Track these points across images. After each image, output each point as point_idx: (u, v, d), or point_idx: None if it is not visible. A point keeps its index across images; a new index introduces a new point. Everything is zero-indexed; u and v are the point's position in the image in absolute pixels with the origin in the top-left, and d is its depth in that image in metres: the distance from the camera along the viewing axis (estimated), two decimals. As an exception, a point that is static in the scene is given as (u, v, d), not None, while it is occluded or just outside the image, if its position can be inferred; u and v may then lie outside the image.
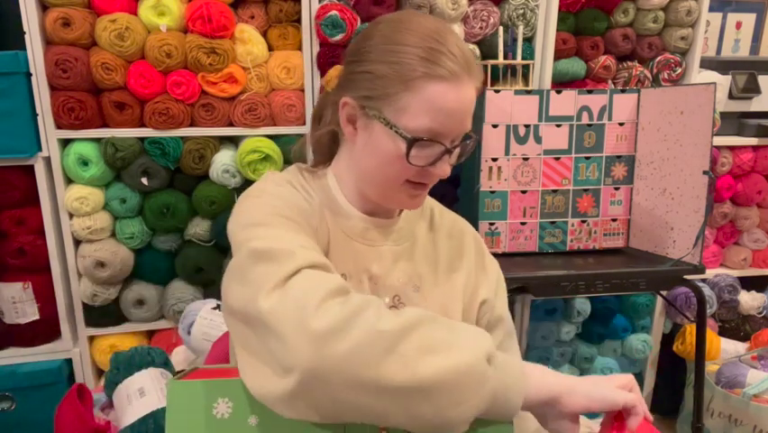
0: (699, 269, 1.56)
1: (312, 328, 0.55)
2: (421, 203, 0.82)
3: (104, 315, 1.74)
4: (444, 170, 0.76)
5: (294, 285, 0.60)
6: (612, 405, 0.67)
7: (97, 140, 1.62)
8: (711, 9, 2.05)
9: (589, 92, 1.69)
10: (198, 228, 1.71)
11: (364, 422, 0.57)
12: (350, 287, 0.63)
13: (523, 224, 1.72)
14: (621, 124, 1.72)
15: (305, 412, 0.57)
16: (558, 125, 1.68)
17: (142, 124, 1.65)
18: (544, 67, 1.83)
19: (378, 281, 0.82)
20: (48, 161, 1.61)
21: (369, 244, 0.83)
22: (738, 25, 2.45)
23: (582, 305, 2.03)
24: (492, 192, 1.68)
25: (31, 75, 1.54)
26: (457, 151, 0.77)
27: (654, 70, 1.94)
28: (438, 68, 0.71)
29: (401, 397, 0.55)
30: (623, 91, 1.71)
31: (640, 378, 2.23)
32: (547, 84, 1.84)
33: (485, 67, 1.78)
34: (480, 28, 1.77)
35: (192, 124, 1.67)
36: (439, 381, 0.56)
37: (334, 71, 1.64)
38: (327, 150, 0.88)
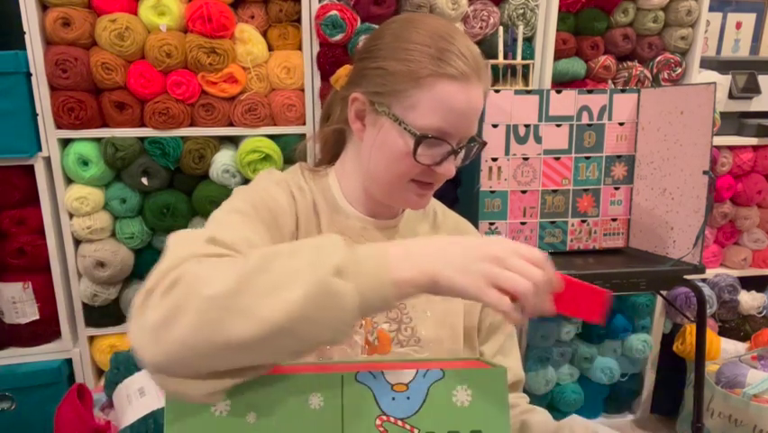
0: (699, 269, 1.56)
1: (145, 323, 0.53)
2: (426, 203, 0.82)
3: (104, 315, 1.74)
4: (449, 169, 0.76)
5: (149, 279, 0.57)
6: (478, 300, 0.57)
7: (97, 140, 1.62)
8: (711, 9, 2.05)
9: (589, 92, 1.69)
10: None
11: (243, 367, 0.55)
12: (191, 256, 0.57)
13: (523, 224, 1.72)
14: (621, 124, 1.72)
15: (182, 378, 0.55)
16: (558, 125, 1.68)
17: (142, 124, 1.65)
18: (543, 67, 1.83)
19: None
20: (48, 161, 1.61)
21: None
22: (738, 25, 2.45)
23: (582, 305, 2.03)
24: (492, 192, 1.68)
25: (31, 75, 1.54)
26: (462, 152, 0.78)
27: (654, 70, 1.94)
28: (449, 67, 0.71)
29: (261, 345, 0.52)
30: (623, 91, 1.71)
31: (640, 378, 2.24)
32: (547, 84, 1.84)
33: (485, 67, 1.78)
34: (480, 28, 1.77)
35: (192, 124, 1.67)
36: (288, 318, 0.51)
37: (344, 70, 1.65)
38: (332, 148, 0.88)
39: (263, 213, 0.74)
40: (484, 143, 0.80)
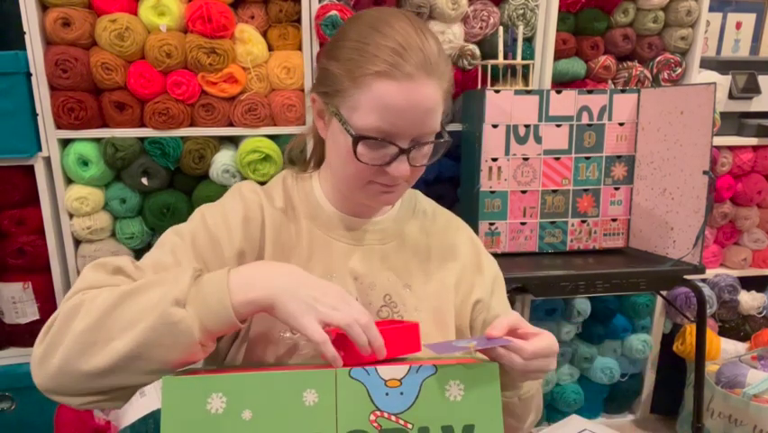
0: (699, 269, 1.56)
1: (35, 354, 0.65)
2: (393, 200, 0.81)
3: (104, 315, 1.74)
4: (400, 170, 0.73)
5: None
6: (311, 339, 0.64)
7: (97, 140, 1.62)
8: (711, 9, 2.05)
9: (590, 92, 1.69)
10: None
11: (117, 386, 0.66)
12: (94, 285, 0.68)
13: (523, 224, 1.72)
14: (621, 124, 1.72)
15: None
16: (558, 125, 1.68)
17: (142, 124, 1.65)
18: (544, 67, 1.83)
19: (364, 281, 0.82)
20: (48, 161, 1.61)
21: (353, 244, 0.83)
22: (738, 25, 2.45)
23: (582, 305, 2.03)
24: (492, 192, 1.68)
25: (31, 75, 1.54)
26: (423, 150, 0.75)
27: (654, 70, 1.94)
28: (388, 66, 0.69)
29: (119, 370, 0.63)
30: (623, 91, 1.71)
31: (640, 378, 2.24)
32: (547, 84, 1.84)
33: (485, 67, 1.78)
34: (480, 28, 1.77)
35: (192, 124, 1.67)
36: (137, 346, 0.62)
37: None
38: (320, 149, 0.88)
39: (200, 239, 0.77)
40: (446, 140, 0.76)
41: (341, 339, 0.66)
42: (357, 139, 0.71)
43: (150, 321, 0.62)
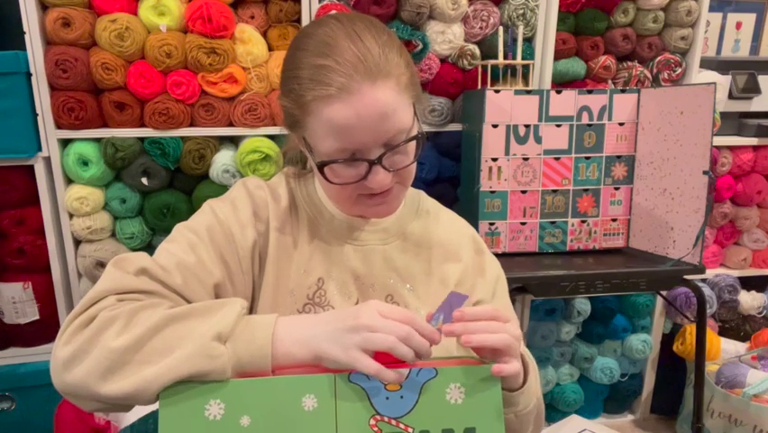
0: (699, 269, 1.56)
1: (59, 355, 0.63)
2: (389, 210, 0.79)
3: (104, 315, 1.74)
4: (378, 181, 0.71)
5: (80, 303, 0.67)
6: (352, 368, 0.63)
7: (97, 140, 1.62)
8: (711, 9, 2.05)
9: (589, 92, 1.69)
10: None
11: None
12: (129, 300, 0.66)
13: (523, 224, 1.72)
14: (621, 124, 1.72)
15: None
16: (558, 125, 1.68)
17: (142, 124, 1.65)
18: (544, 67, 1.83)
19: (365, 281, 0.81)
20: (48, 161, 1.61)
21: (355, 244, 0.82)
22: (738, 25, 2.45)
23: (582, 305, 2.03)
24: (492, 192, 1.68)
25: (31, 75, 1.54)
26: (399, 153, 0.72)
27: (654, 70, 1.94)
28: (323, 87, 0.66)
29: (140, 394, 0.60)
30: (623, 91, 1.71)
31: (640, 378, 2.24)
32: (547, 84, 1.84)
33: (485, 67, 1.78)
34: (480, 28, 1.77)
35: (192, 124, 1.67)
36: (165, 375, 0.60)
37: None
38: None
39: (216, 234, 0.76)
40: (416, 137, 0.72)
41: None
42: (321, 166, 0.71)
43: (188, 351, 0.60)
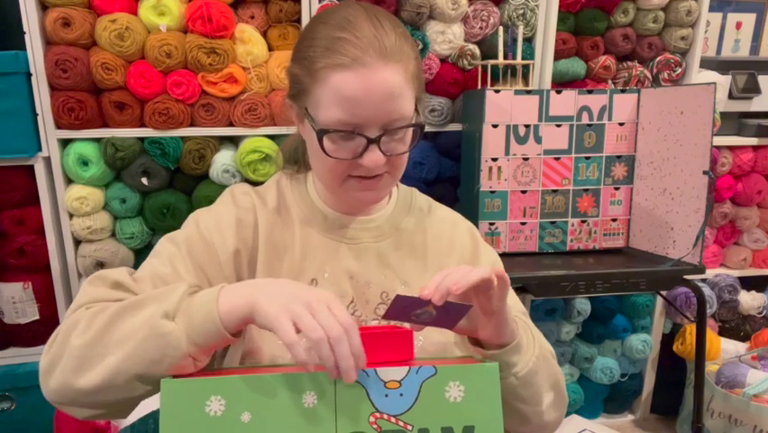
0: (699, 269, 1.56)
1: (41, 367, 0.67)
2: (376, 198, 0.80)
3: (104, 315, 1.74)
4: (374, 160, 0.72)
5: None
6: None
7: (97, 140, 1.62)
8: (711, 9, 2.05)
9: (590, 92, 1.69)
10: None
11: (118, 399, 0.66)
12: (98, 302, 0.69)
13: (523, 224, 1.72)
14: (621, 124, 1.72)
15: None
16: (558, 125, 1.68)
17: (142, 124, 1.65)
18: (544, 67, 1.83)
19: (359, 279, 0.81)
20: (48, 161, 1.61)
21: (348, 243, 0.82)
22: (738, 25, 2.45)
23: (582, 305, 2.03)
24: (492, 192, 1.68)
25: (31, 75, 1.54)
26: (396, 138, 0.73)
27: (654, 70, 1.94)
28: (338, 56, 0.68)
29: (113, 387, 0.63)
30: (623, 91, 1.71)
31: (640, 378, 2.24)
32: (547, 84, 1.84)
33: (485, 67, 1.78)
34: (480, 28, 1.77)
35: (192, 124, 1.67)
36: (126, 363, 0.62)
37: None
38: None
39: (195, 245, 0.77)
40: (418, 125, 0.74)
41: None
42: (321, 134, 0.71)
43: (141, 335, 0.62)
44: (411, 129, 0.75)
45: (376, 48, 0.69)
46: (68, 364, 0.64)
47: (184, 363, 0.63)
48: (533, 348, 0.75)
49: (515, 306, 0.86)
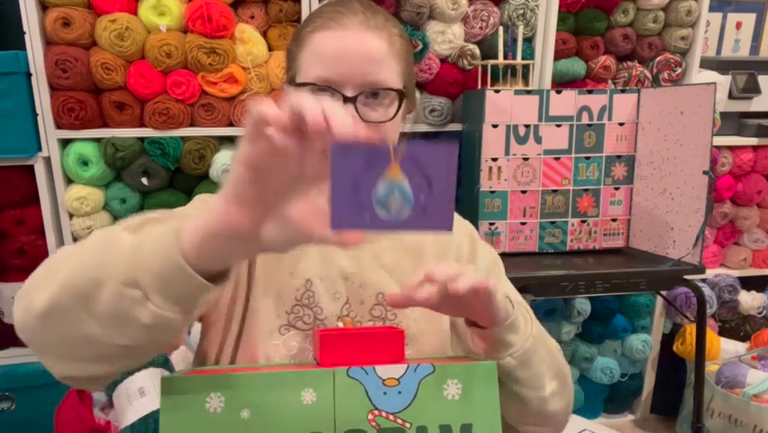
0: (699, 269, 1.56)
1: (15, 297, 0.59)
2: None
3: (104, 315, 1.74)
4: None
5: None
6: None
7: (97, 140, 1.62)
8: (711, 9, 2.05)
9: (590, 92, 1.69)
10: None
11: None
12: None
13: (523, 224, 1.72)
14: (621, 124, 1.72)
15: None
16: (558, 125, 1.68)
17: (142, 124, 1.65)
18: (544, 67, 1.83)
19: (354, 280, 0.80)
20: (48, 161, 1.61)
21: None
22: (738, 25, 2.45)
23: (582, 305, 2.03)
24: (492, 192, 1.68)
25: (31, 75, 1.54)
26: (374, 103, 0.72)
27: (654, 70, 1.94)
28: (320, 19, 0.72)
29: (60, 309, 0.54)
30: (623, 91, 1.71)
31: (640, 378, 2.24)
32: (547, 84, 1.84)
33: (485, 67, 1.78)
34: (480, 28, 1.77)
35: (192, 124, 1.67)
36: (69, 278, 0.53)
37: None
38: None
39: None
40: (398, 91, 0.73)
41: (329, 340, 0.66)
42: (298, 87, 0.72)
43: (92, 247, 0.56)
44: (396, 103, 0.74)
45: (361, 19, 0.72)
46: (24, 294, 0.57)
47: (129, 292, 0.51)
48: (530, 328, 0.74)
49: (513, 296, 0.85)
